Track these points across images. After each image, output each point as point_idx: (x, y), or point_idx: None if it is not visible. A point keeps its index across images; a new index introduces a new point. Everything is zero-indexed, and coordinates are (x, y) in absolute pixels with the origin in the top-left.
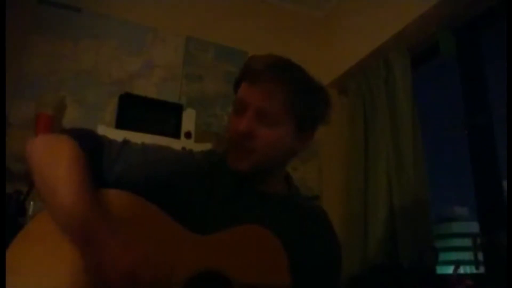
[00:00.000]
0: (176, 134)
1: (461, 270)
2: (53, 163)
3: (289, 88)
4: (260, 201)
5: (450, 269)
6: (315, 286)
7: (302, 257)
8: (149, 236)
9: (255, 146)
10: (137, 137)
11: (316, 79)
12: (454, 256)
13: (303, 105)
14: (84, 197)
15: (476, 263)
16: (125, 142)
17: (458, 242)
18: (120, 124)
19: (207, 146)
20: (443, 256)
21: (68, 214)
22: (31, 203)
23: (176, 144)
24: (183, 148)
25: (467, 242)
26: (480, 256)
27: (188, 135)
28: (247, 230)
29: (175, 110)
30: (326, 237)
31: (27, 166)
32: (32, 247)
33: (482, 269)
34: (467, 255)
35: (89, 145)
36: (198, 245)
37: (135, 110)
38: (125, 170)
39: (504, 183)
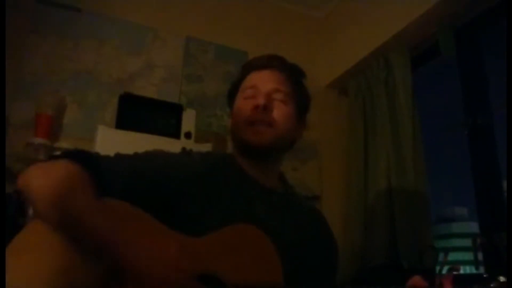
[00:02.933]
0: (176, 134)
1: (461, 270)
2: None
3: (291, 76)
4: (262, 195)
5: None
6: (314, 281)
7: (302, 251)
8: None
9: (274, 118)
10: (137, 137)
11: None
12: (454, 256)
13: (301, 93)
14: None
15: (476, 263)
16: (119, 155)
17: (458, 242)
18: (120, 124)
19: (207, 146)
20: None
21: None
22: None
23: (176, 144)
24: (183, 148)
25: (467, 242)
26: (480, 256)
27: (188, 135)
28: (238, 230)
29: (175, 110)
30: (324, 234)
31: (24, 195)
32: (21, 258)
33: (482, 269)
34: (467, 255)
35: (86, 165)
36: (192, 248)
37: (135, 110)
38: (128, 182)
39: (504, 183)
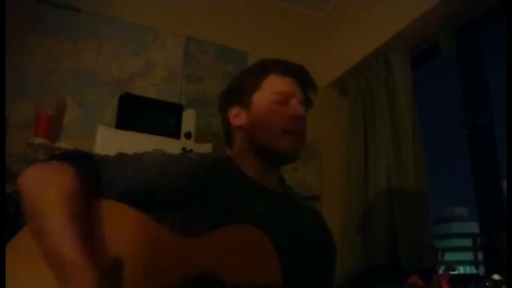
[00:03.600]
0: (176, 134)
1: (461, 270)
2: (43, 196)
3: (307, 88)
4: (262, 195)
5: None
6: (313, 282)
7: (301, 251)
8: (139, 242)
9: (304, 129)
10: (137, 137)
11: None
12: (454, 256)
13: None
14: (71, 237)
15: (476, 263)
16: (119, 156)
17: (458, 242)
18: (120, 124)
19: (207, 146)
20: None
21: (54, 251)
22: None
23: (176, 144)
24: (183, 149)
25: (467, 242)
26: (480, 256)
27: (188, 135)
28: (238, 230)
29: (175, 110)
30: (323, 234)
31: (21, 197)
32: (21, 261)
33: (482, 269)
34: (467, 255)
35: (85, 166)
36: (191, 248)
37: (135, 110)
38: (127, 184)
39: (504, 183)
